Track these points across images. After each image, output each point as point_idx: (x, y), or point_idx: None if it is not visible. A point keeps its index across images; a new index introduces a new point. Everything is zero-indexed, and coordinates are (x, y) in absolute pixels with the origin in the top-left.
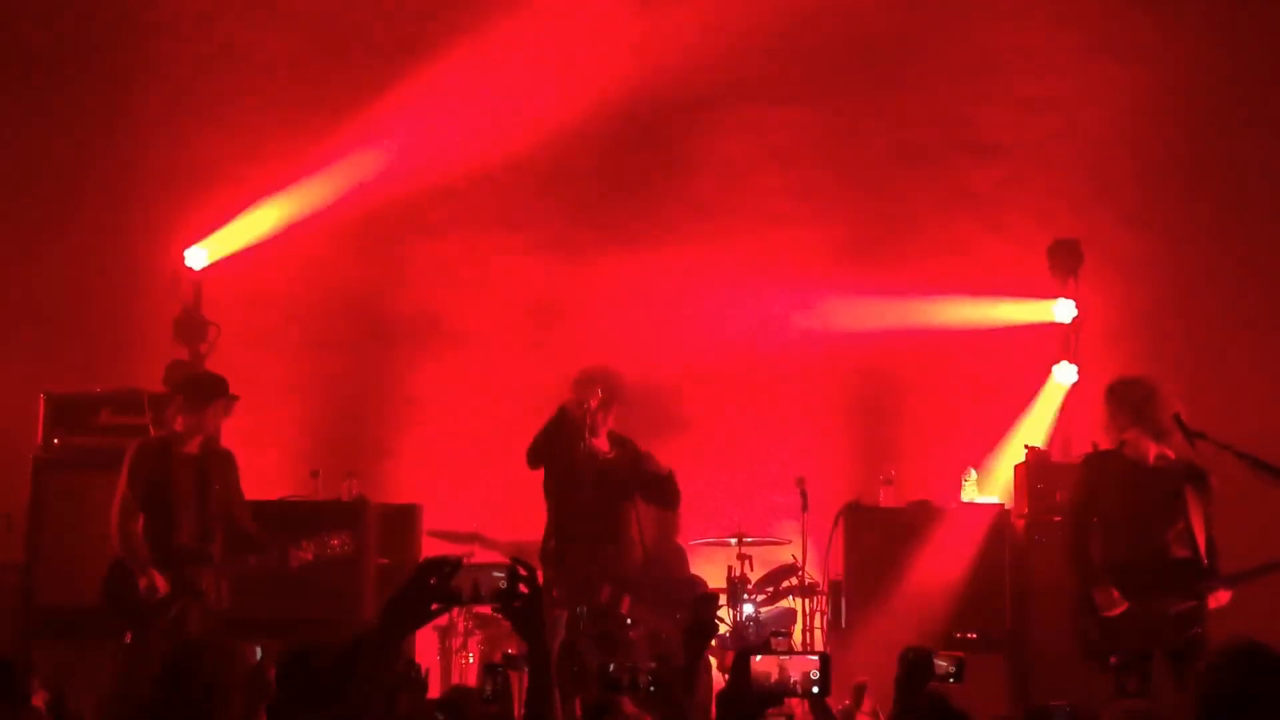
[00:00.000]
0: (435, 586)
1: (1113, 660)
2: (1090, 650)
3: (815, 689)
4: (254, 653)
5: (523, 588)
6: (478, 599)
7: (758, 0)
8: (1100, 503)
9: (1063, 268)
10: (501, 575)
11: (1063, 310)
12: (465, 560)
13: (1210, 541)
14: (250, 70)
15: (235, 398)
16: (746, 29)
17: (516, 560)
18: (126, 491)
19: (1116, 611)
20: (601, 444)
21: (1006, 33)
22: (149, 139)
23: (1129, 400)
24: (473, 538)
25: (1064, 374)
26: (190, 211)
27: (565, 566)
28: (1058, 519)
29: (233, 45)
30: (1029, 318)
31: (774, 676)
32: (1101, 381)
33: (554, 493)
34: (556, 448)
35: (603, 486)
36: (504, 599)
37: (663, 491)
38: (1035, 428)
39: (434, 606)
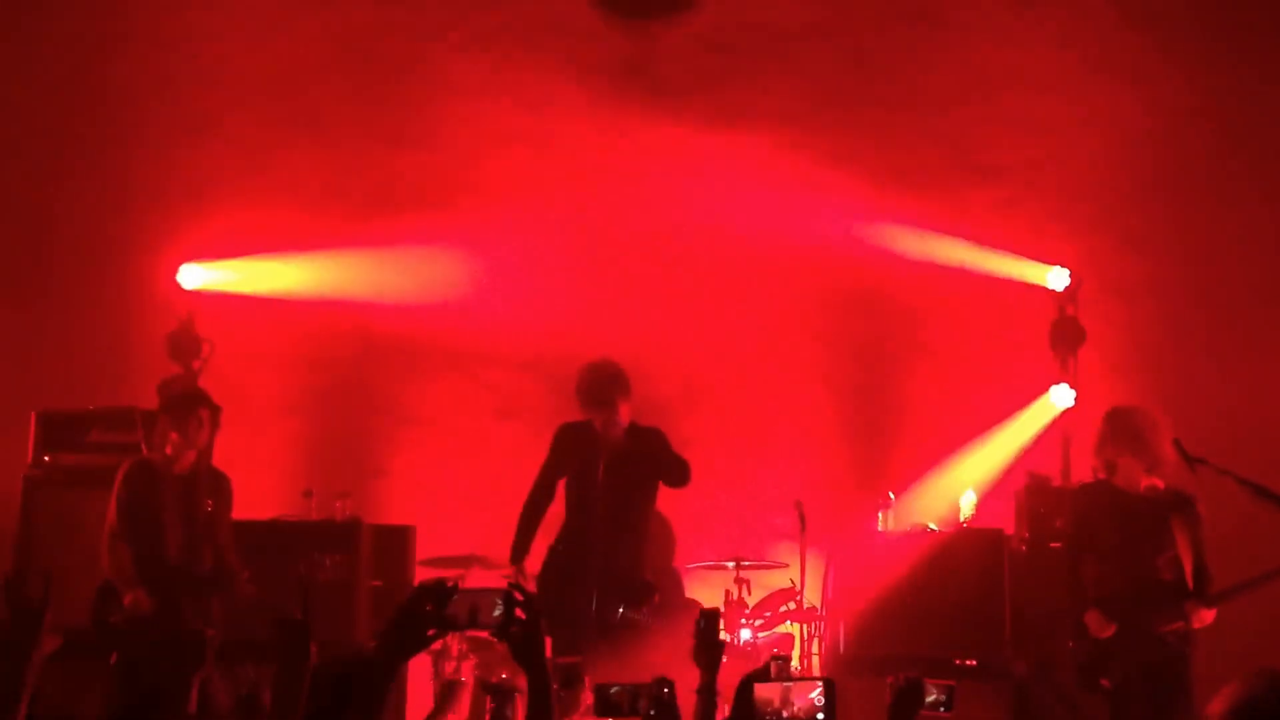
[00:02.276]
0: (431, 612)
1: (1104, 683)
2: (1082, 674)
3: (819, 716)
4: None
5: (519, 613)
6: (474, 625)
7: (756, 15)
8: (1092, 532)
9: (1061, 293)
10: (498, 601)
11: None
12: (460, 584)
13: (1200, 567)
14: (244, 85)
15: (218, 408)
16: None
17: (513, 585)
18: (116, 512)
19: (1107, 633)
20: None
21: (1004, 54)
22: (142, 153)
23: (1128, 427)
24: (469, 560)
25: (1061, 397)
26: (184, 227)
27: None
28: (1056, 545)
29: (229, 59)
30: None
31: (777, 703)
32: (1098, 404)
33: (571, 493)
34: (572, 462)
35: (616, 477)
36: (501, 625)
37: (670, 468)
38: (1034, 452)
39: (430, 632)
